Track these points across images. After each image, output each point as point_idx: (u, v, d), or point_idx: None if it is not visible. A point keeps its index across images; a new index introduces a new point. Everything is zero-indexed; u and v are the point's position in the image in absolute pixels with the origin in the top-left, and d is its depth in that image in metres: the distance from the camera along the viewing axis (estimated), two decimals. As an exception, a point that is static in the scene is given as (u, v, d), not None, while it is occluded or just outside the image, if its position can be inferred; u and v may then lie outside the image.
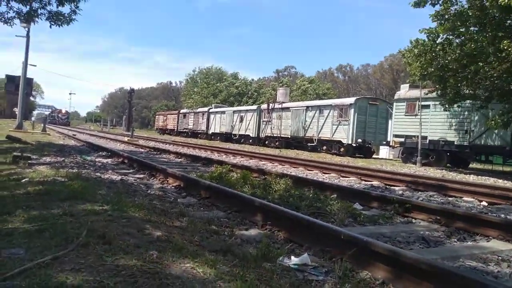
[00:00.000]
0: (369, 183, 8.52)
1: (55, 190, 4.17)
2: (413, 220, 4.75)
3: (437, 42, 13.11)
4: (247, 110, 32.62)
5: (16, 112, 28.03)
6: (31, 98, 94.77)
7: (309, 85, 53.70)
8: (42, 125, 25.63)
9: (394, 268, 2.51)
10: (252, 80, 60.00)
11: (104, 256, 2.30)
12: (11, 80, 69.94)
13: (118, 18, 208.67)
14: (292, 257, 2.76)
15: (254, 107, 32.85)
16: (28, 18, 11.64)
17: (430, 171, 13.56)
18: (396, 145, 19.46)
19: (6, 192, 4.01)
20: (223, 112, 36.11)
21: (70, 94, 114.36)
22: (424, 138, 17.15)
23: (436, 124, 17.12)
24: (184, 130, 43.82)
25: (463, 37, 12.48)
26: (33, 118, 41.88)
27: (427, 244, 3.68)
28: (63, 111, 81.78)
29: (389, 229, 4.12)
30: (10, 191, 4.09)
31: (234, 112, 34.23)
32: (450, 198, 6.96)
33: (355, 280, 2.49)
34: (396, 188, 7.84)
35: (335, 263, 2.70)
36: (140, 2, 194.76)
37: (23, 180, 4.89)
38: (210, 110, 38.89)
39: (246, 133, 31.67)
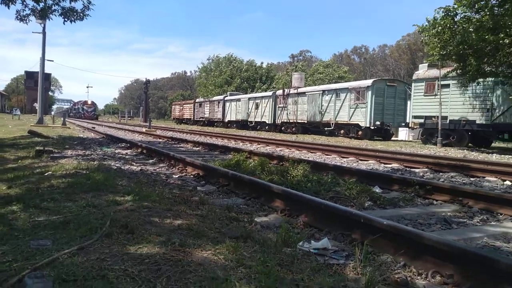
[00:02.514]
0: (388, 166, 8.42)
1: (77, 183, 4.27)
2: (435, 202, 4.69)
3: (455, 20, 12.73)
4: (262, 97, 32.46)
5: (36, 108, 28.68)
6: (50, 93, 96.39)
7: (324, 70, 52.89)
8: (62, 119, 26.18)
9: (415, 250, 2.49)
10: (262, 63, 59.29)
11: (127, 245, 2.36)
12: (30, 76, 71.56)
13: (130, 9, 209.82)
14: (312, 242, 2.77)
15: (270, 93, 32.61)
16: (42, 15, 11.78)
17: (452, 152, 13.30)
18: (415, 127, 19.14)
19: (31, 186, 4.13)
20: (239, 100, 36.08)
21: (87, 87, 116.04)
22: (444, 118, 16.80)
23: (457, 103, 16.73)
24: (201, 119, 44.06)
25: (482, 12, 12.07)
26: (53, 113, 42.76)
27: (449, 225, 3.64)
28: (89, 102, 69.44)
29: (410, 211, 4.08)
30: (35, 184, 4.21)
31: (250, 99, 34.15)
32: (472, 179, 6.83)
33: (376, 263, 2.49)
34: (417, 170, 7.73)
35: (356, 246, 2.69)
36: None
37: (47, 174, 5.01)
38: (226, 98, 38.91)
39: (262, 120, 31.60)
